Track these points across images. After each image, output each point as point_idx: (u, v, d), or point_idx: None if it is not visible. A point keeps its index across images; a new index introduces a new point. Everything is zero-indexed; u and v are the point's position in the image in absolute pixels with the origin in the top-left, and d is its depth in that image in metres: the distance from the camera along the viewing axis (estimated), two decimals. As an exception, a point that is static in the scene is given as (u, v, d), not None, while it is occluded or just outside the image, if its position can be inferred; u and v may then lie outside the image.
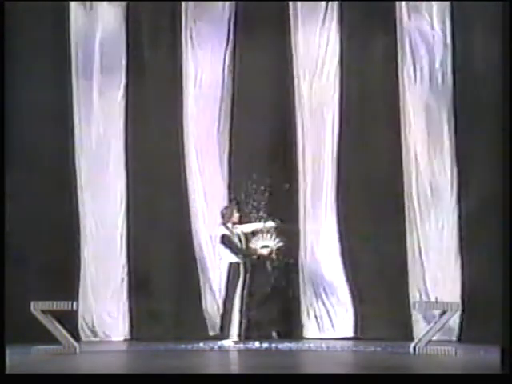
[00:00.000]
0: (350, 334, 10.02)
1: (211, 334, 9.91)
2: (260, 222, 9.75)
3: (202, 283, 10.18)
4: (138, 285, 10.20)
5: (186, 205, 10.32)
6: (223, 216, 9.51)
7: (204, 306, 10.11)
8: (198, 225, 10.27)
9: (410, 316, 9.75)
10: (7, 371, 5.95)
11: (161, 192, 10.38)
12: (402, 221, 10.07)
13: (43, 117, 10.25)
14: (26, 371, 6.71)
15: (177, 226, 10.30)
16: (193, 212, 10.27)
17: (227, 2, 10.52)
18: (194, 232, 10.25)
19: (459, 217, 9.90)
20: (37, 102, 10.17)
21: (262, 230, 9.58)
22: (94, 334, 10.13)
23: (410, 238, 10.04)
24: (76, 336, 9.48)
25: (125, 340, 10.05)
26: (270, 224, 9.61)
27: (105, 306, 10.19)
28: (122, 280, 10.17)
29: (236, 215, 9.54)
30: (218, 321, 9.78)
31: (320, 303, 10.14)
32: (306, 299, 10.18)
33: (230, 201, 10.04)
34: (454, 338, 9.54)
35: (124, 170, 10.42)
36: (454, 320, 9.24)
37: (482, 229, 9.52)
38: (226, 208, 9.63)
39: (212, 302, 10.11)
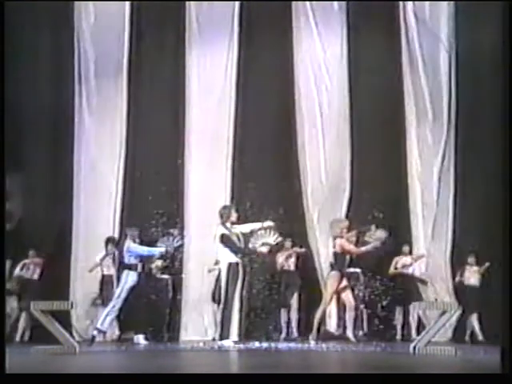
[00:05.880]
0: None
1: None
2: (258, 221, 9.75)
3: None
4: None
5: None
6: (222, 216, 9.47)
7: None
8: None
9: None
10: (7, 371, 5.94)
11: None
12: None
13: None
14: (26, 371, 6.69)
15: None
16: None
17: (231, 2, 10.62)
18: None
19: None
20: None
21: (260, 229, 9.57)
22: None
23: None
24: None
25: (123, 340, 10.04)
26: (269, 223, 9.59)
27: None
28: None
29: (234, 215, 9.51)
30: None
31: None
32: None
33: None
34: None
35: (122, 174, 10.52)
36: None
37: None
38: (224, 208, 9.59)
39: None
